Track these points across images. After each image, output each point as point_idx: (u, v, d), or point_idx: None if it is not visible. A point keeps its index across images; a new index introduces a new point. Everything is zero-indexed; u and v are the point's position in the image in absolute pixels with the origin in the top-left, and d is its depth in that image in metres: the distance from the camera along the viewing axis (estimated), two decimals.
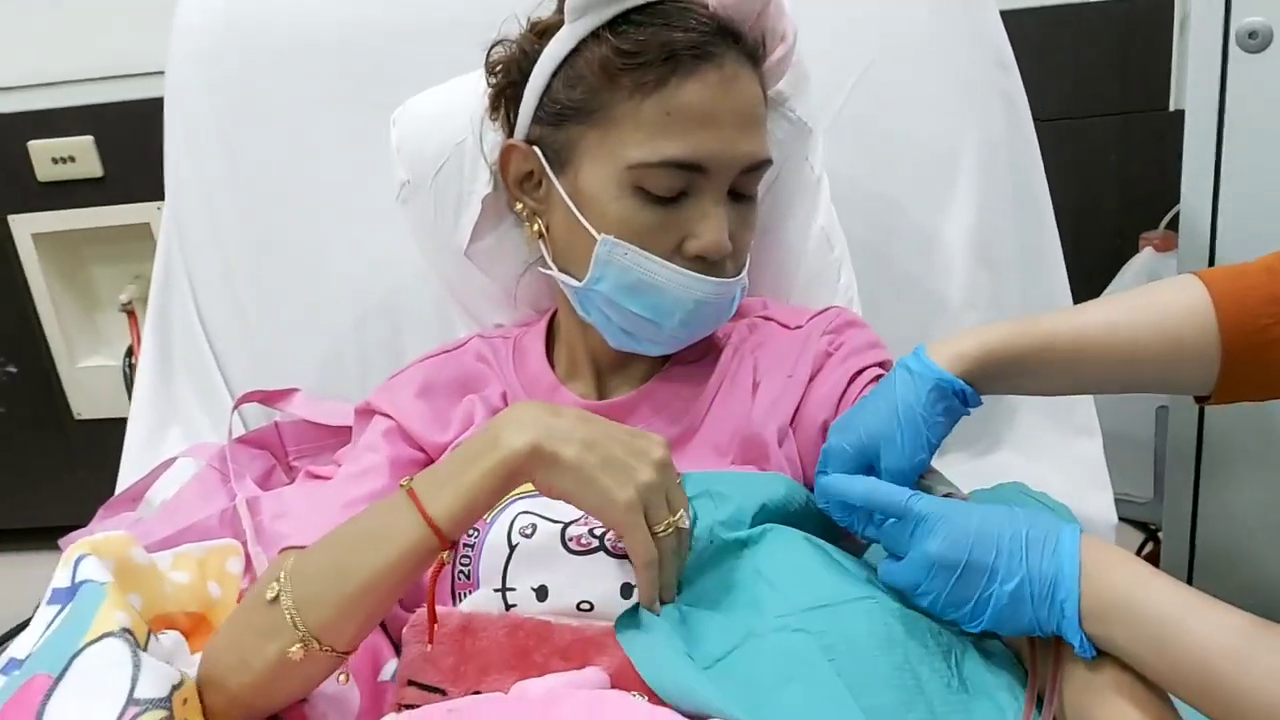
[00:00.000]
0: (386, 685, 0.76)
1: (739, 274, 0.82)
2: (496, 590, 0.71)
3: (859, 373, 0.83)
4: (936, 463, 0.74)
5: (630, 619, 0.66)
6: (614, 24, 0.77)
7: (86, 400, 1.96)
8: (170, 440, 1.15)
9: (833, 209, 1.02)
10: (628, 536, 0.64)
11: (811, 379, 0.84)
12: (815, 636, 0.62)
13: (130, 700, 0.56)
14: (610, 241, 0.78)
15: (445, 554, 0.65)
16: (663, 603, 0.66)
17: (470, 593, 0.72)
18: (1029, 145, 1.14)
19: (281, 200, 1.17)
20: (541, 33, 0.82)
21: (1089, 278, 1.33)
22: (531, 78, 0.81)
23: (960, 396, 0.70)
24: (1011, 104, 1.13)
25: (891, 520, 0.67)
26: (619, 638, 0.65)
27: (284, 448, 1.11)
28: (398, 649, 0.76)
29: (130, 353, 1.79)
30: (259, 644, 0.65)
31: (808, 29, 0.88)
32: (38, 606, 0.67)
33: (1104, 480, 1.08)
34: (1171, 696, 0.60)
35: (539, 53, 0.81)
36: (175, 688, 0.60)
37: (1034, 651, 0.64)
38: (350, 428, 0.94)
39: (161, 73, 1.19)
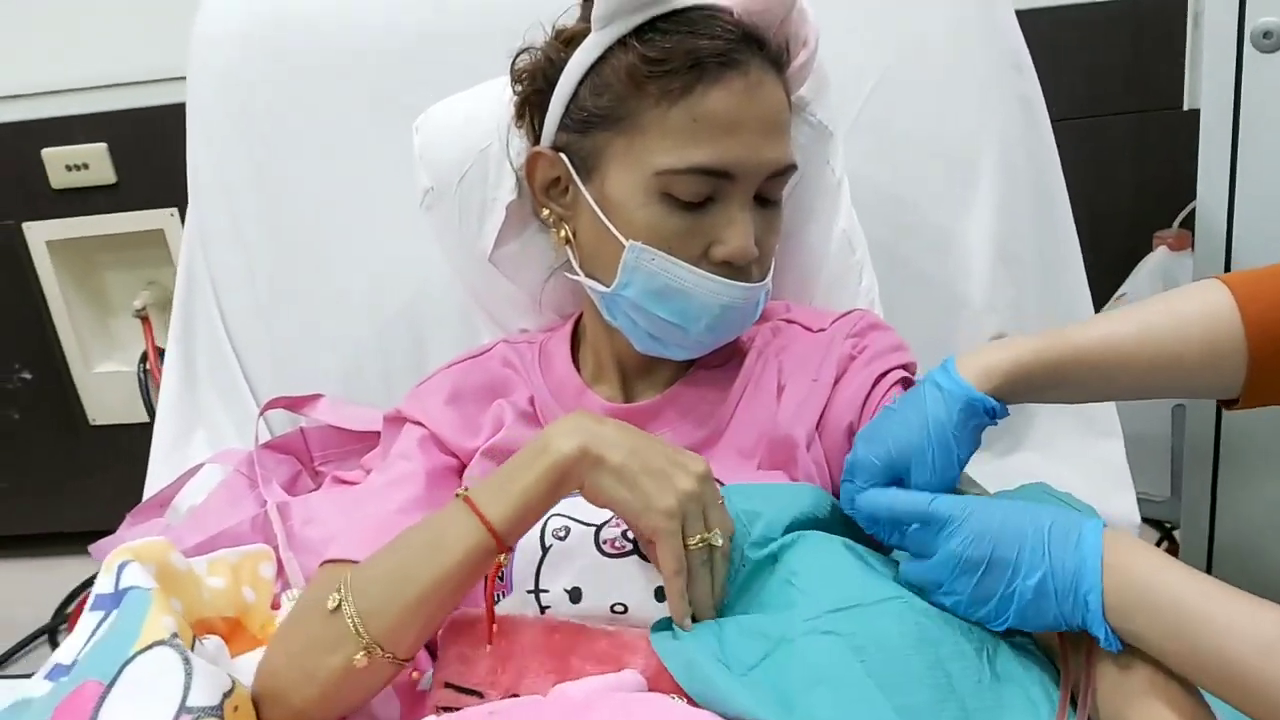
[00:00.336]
0: (424, 694, 0.76)
1: (764, 278, 0.83)
2: (530, 592, 0.71)
3: (883, 375, 0.83)
4: None
5: (665, 624, 0.67)
6: (640, 32, 0.77)
7: (101, 406, 1.95)
8: (195, 444, 1.16)
9: (854, 212, 1.02)
10: (659, 543, 0.65)
11: (836, 382, 0.84)
12: (845, 638, 0.62)
13: (183, 708, 0.57)
14: (638, 248, 0.78)
15: (503, 557, 0.67)
16: (695, 620, 0.67)
17: (505, 595, 0.73)
18: (1047, 147, 1.14)
19: (304, 206, 1.18)
20: (568, 41, 0.83)
21: (1103, 276, 1.32)
22: (558, 85, 0.82)
23: (990, 413, 0.70)
24: (1029, 106, 1.13)
25: (915, 526, 0.67)
26: (654, 643, 0.65)
27: (310, 453, 1.12)
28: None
29: (145, 359, 1.79)
30: (322, 655, 0.67)
31: (827, 33, 0.88)
32: (56, 610, 0.68)
33: (1126, 481, 1.08)
34: (1206, 695, 0.60)
35: (565, 60, 0.81)
36: (226, 695, 0.61)
37: (1065, 649, 0.64)
38: (376, 433, 0.95)
39: (175, 79, 1.19)
